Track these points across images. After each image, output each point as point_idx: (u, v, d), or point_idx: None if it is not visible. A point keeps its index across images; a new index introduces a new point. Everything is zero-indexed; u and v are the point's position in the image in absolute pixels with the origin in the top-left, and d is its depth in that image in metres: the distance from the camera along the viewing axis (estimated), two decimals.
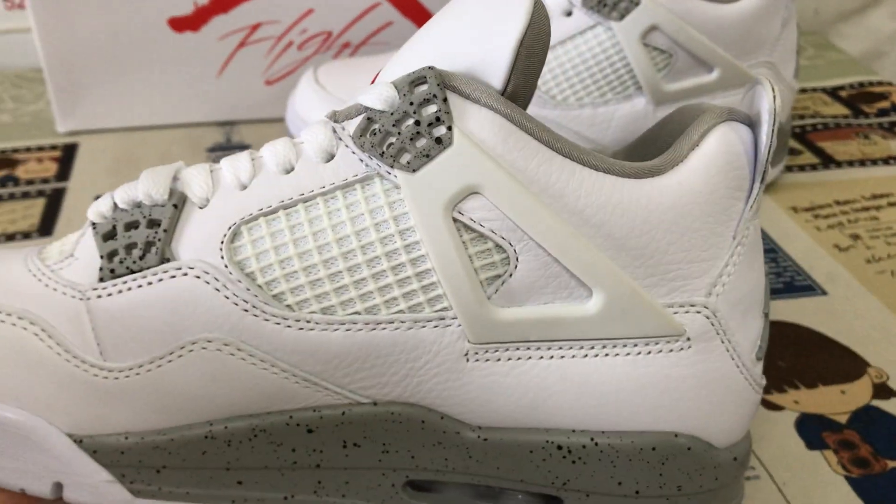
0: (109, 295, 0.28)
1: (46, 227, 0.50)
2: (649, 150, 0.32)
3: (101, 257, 0.28)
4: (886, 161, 0.57)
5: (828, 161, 0.57)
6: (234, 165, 0.29)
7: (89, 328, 0.28)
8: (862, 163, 0.57)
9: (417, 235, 0.27)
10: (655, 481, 0.29)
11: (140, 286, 0.28)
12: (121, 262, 0.28)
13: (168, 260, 0.28)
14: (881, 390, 0.39)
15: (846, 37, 0.79)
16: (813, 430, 0.37)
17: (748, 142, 0.28)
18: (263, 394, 0.28)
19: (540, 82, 0.48)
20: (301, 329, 0.27)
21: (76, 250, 0.29)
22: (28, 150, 0.59)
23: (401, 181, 0.27)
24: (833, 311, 0.44)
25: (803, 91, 0.67)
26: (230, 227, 0.28)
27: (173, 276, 0.27)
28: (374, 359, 0.28)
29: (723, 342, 0.28)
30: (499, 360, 0.28)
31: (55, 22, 0.56)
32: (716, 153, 0.27)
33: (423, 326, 0.28)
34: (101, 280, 0.28)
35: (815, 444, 0.36)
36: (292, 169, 0.28)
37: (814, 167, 0.57)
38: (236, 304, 0.27)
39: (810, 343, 0.42)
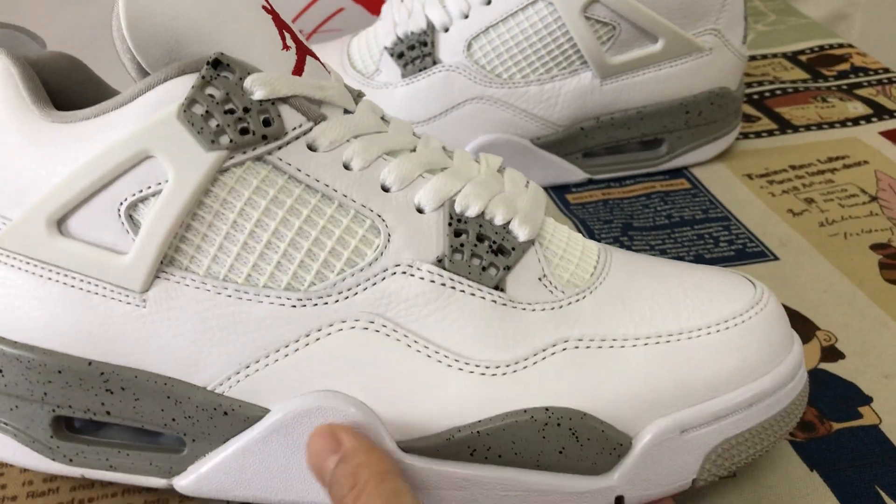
0: None
1: None
2: None
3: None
4: (843, 123, 0.57)
5: (785, 126, 0.57)
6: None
7: None
8: (819, 126, 0.57)
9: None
10: None
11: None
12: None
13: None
14: (829, 353, 0.39)
15: (809, 1, 0.78)
16: None
17: None
18: None
19: (484, 61, 0.48)
20: None
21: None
22: None
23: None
24: (784, 275, 0.44)
25: (763, 57, 0.66)
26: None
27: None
28: None
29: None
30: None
31: None
32: None
33: None
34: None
35: None
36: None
37: (770, 133, 0.56)
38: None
39: None
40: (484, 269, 0.29)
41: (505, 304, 0.29)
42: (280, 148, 0.28)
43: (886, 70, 0.63)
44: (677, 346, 0.30)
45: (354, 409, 0.29)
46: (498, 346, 0.29)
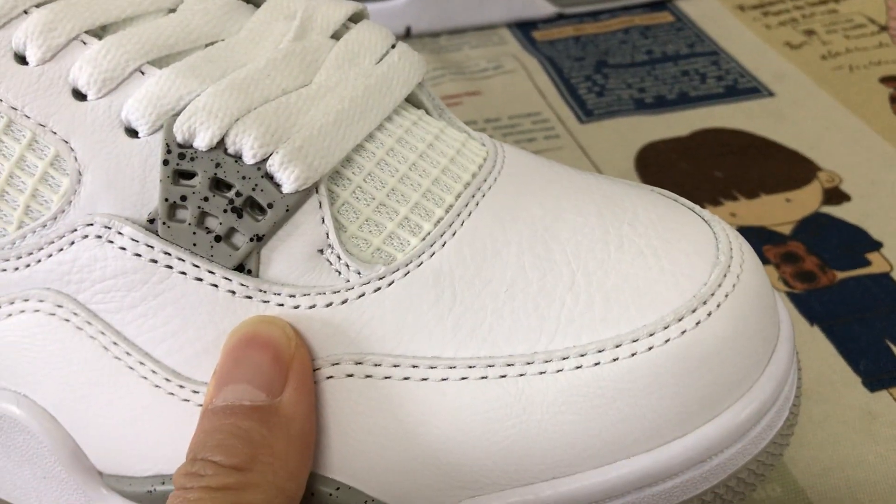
0: None
1: None
2: None
3: None
4: None
5: None
6: None
7: None
8: None
9: None
10: None
11: None
12: None
13: None
14: (832, 195, 0.34)
15: None
16: (751, 244, 0.31)
17: None
18: None
19: None
20: None
21: None
22: None
23: None
24: (781, 112, 0.38)
25: None
26: None
27: None
28: None
29: None
30: None
31: None
32: None
33: None
34: None
35: None
36: None
37: None
38: None
39: (752, 149, 0.36)
40: (220, 238, 0.19)
41: (250, 297, 0.19)
42: None
43: None
44: (517, 385, 0.18)
45: (38, 423, 0.20)
46: None
